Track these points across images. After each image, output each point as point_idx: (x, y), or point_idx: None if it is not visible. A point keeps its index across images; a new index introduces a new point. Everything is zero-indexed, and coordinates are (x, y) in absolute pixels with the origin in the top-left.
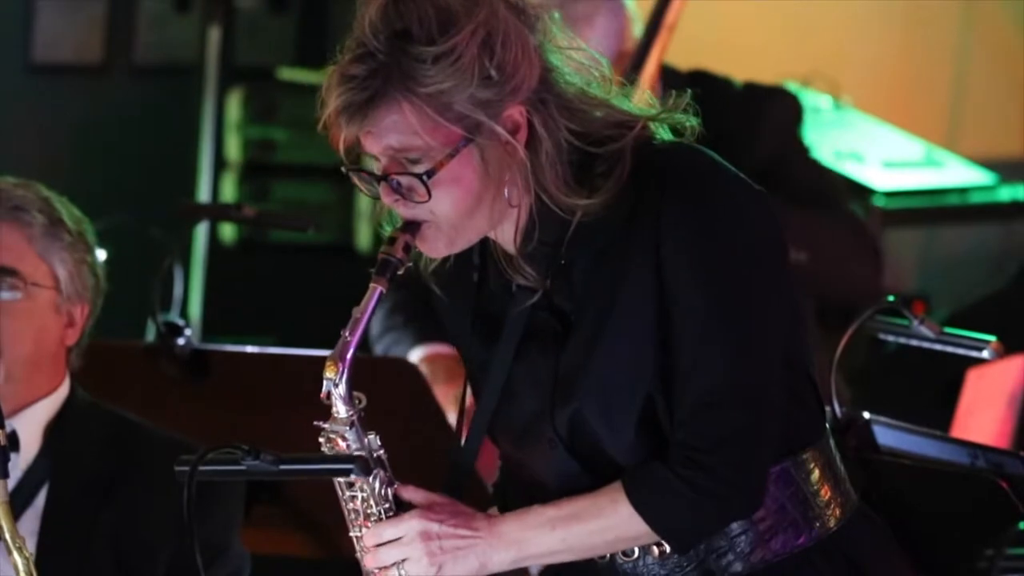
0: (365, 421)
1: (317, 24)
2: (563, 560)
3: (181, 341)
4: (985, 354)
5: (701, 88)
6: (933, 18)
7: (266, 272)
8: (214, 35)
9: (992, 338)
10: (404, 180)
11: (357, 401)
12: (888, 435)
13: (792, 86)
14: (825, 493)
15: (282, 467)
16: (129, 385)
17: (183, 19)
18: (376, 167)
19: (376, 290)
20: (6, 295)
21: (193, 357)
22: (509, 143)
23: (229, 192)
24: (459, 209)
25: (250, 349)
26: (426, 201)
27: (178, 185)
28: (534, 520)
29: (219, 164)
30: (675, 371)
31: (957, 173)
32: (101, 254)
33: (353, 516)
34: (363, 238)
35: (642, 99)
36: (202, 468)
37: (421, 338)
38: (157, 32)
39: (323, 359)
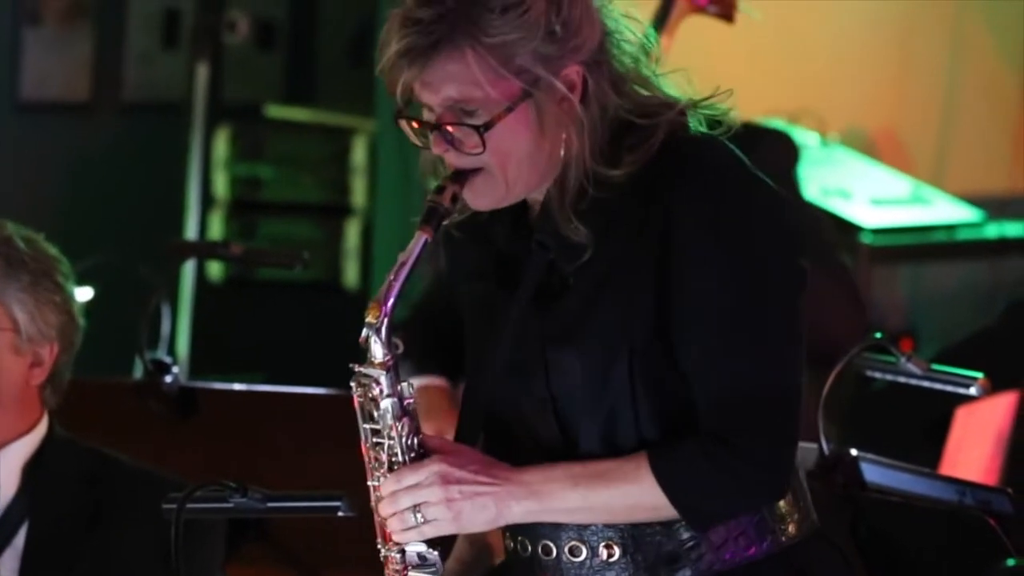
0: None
1: (305, 62)
2: (580, 520)
3: (168, 379)
4: (972, 391)
5: None
6: (920, 55)
7: (253, 309)
8: (202, 72)
9: (979, 375)
10: (459, 132)
11: (395, 346)
12: (875, 472)
13: (779, 123)
14: (783, 505)
15: (270, 504)
16: (117, 423)
17: (170, 56)
18: (428, 116)
19: (422, 238)
20: None
21: (181, 395)
22: (566, 100)
23: (216, 229)
24: (512, 163)
25: (238, 386)
26: (479, 153)
27: (165, 222)
28: (558, 474)
29: (206, 201)
30: (694, 355)
31: (944, 210)
32: (83, 292)
33: (376, 465)
34: (350, 275)
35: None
36: (190, 505)
37: (418, 370)
38: (144, 69)
39: (313, 396)
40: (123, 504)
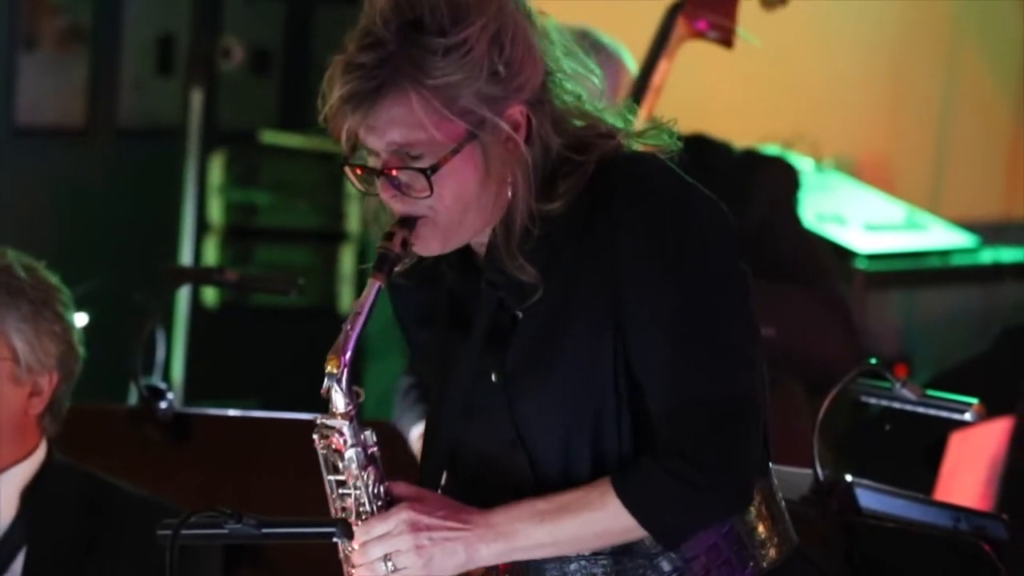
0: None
1: (299, 88)
2: (552, 554)
3: (163, 404)
4: (967, 416)
5: (700, 152)
6: (915, 81)
7: (248, 335)
8: (196, 98)
9: (974, 400)
10: (404, 175)
11: (356, 395)
12: (870, 498)
13: (774, 148)
14: (762, 531)
15: (264, 531)
16: (112, 448)
17: (165, 82)
18: (374, 163)
19: (375, 285)
20: None
21: (175, 421)
22: (511, 140)
23: (211, 255)
24: (458, 205)
25: (232, 412)
26: (426, 196)
27: (160, 248)
28: (523, 512)
29: (201, 227)
30: (649, 373)
31: (939, 236)
32: (80, 319)
33: (343, 515)
34: (345, 301)
35: (639, 120)
36: (184, 531)
37: (424, 417)
38: (139, 95)
39: (307, 422)
40: (120, 530)
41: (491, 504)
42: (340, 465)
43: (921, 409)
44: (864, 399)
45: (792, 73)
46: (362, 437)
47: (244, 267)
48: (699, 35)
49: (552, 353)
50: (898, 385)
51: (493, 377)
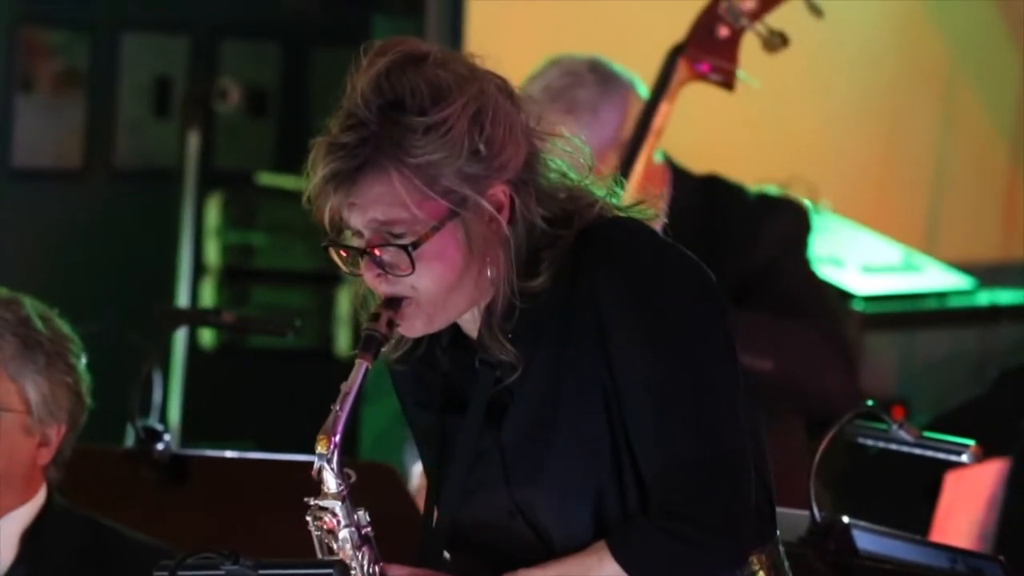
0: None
1: (296, 129)
2: None
3: (160, 446)
4: (964, 458)
5: (712, 193)
6: (912, 123)
7: (245, 377)
8: (193, 140)
9: (971, 442)
10: (387, 255)
11: (347, 476)
12: (868, 540)
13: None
14: None
15: (261, 572)
16: (108, 490)
17: (162, 124)
18: (358, 243)
19: (362, 366)
20: None
21: (172, 462)
22: (494, 220)
23: (208, 297)
24: (441, 284)
25: (229, 454)
26: (409, 274)
27: (157, 290)
28: None
29: (198, 269)
30: (638, 437)
31: (936, 277)
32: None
33: None
34: (342, 343)
35: (629, 193)
36: (181, 573)
37: None
38: (136, 137)
39: (303, 464)
40: (120, 574)
41: (497, 573)
42: (335, 546)
43: (918, 451)
44: (861, 441)
45: (789, 115)
46: (355, 517)
47: (241, 308)
48: (701, 77)
49: (548, 424)
50: (895, 427)
51: (490, 451)
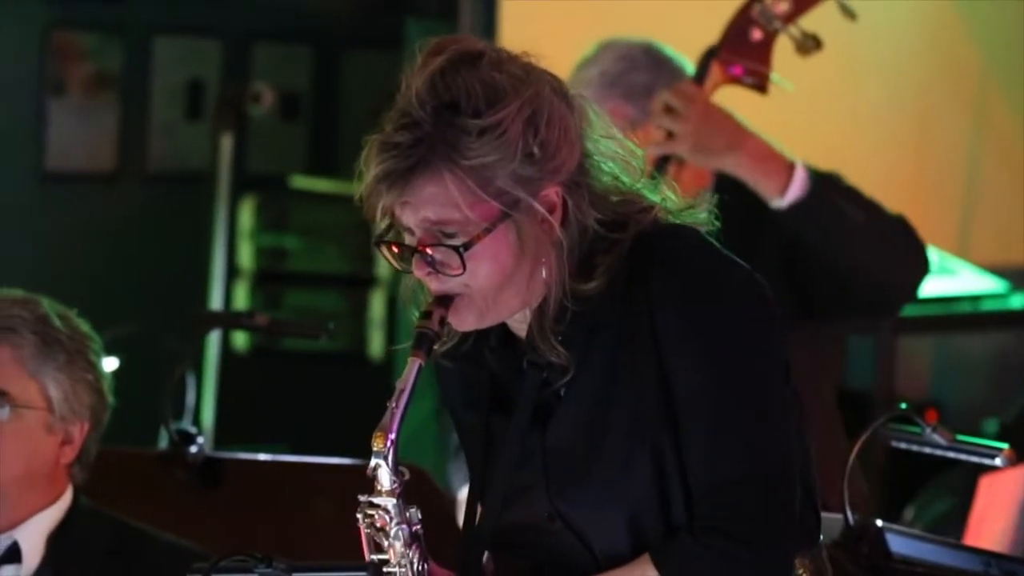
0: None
1: (328, 133)
2: None
3: (193, 449)
4: (998, 461)
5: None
6: (944, 127)
7: (278, 380)
8: (226, 143)
9: (1004, 446)
10: (439, 254)
11: (402, 473)
12: (901, 543)
13: None
14: None
15: (294, 575)
16: (141, 493)
17: (195, 127)
18: (409, 240)
19: (416, 363)
20: None
21: (205, 465)
22: (546, 221)
23: (241, 300)
24: (492, 284)
25: (262, 457)
26: (460, 274)
27: (190, 293)
28: None
29: (231, 272)
30: (688, 448)
31: (969, 281)
32: (109, 363)
33: None
34: (375, 346)
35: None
36: None
37: None
38: (169, 140)
39: (337, 467)
40: (146, 575)
41: (538, 574)
42: (384, 543)
43: (951, 454)
44: (895, 444)
45: (820, 118)
46: (408, 515)
47: (274, 312)
48: (734, 80)
49: (596, 427)
50: (928, 430)
51: (533, 454)
